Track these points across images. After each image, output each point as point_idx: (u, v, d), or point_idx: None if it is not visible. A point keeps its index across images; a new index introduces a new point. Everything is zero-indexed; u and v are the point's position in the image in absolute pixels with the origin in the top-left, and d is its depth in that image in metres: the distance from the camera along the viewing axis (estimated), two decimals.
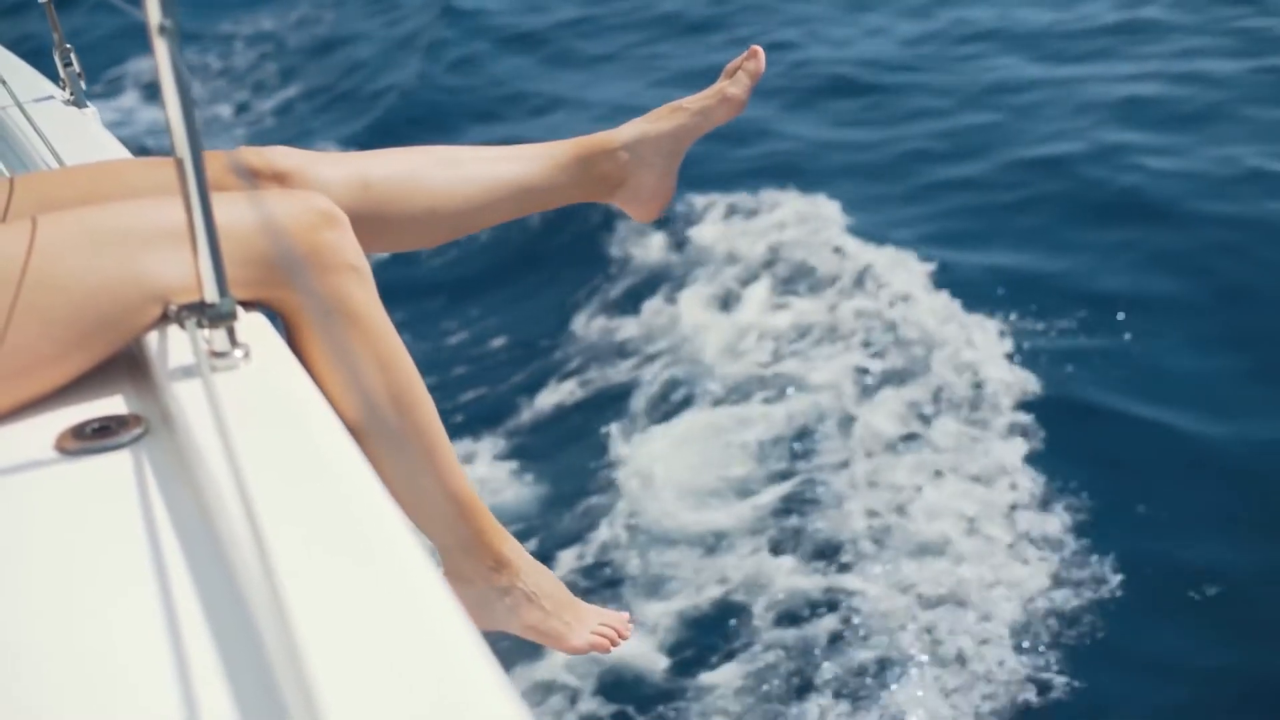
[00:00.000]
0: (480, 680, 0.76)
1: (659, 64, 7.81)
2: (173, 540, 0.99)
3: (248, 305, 1.31)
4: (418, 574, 0.85)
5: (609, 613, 1.74)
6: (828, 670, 3.49)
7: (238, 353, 1.13)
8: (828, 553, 3.89)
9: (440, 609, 0.82)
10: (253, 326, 1.20)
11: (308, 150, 1.64)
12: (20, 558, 0.99)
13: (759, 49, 1.80)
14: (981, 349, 4.63)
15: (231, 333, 1.13)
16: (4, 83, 2.18)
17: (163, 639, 0.89)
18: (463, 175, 1.71)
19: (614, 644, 1.71)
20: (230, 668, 0.86)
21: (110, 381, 1.24)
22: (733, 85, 1.79)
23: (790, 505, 4.12)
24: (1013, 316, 4.79)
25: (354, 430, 1.42)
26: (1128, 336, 4.56)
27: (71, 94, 2.15)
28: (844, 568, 3.82)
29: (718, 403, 4.68)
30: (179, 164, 1.07)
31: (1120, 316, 4.64)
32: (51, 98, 2.16)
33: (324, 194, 1.43)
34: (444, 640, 0.80)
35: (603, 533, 4.13)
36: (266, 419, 1.06)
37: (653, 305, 5.41)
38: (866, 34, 7.79)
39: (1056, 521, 3.83)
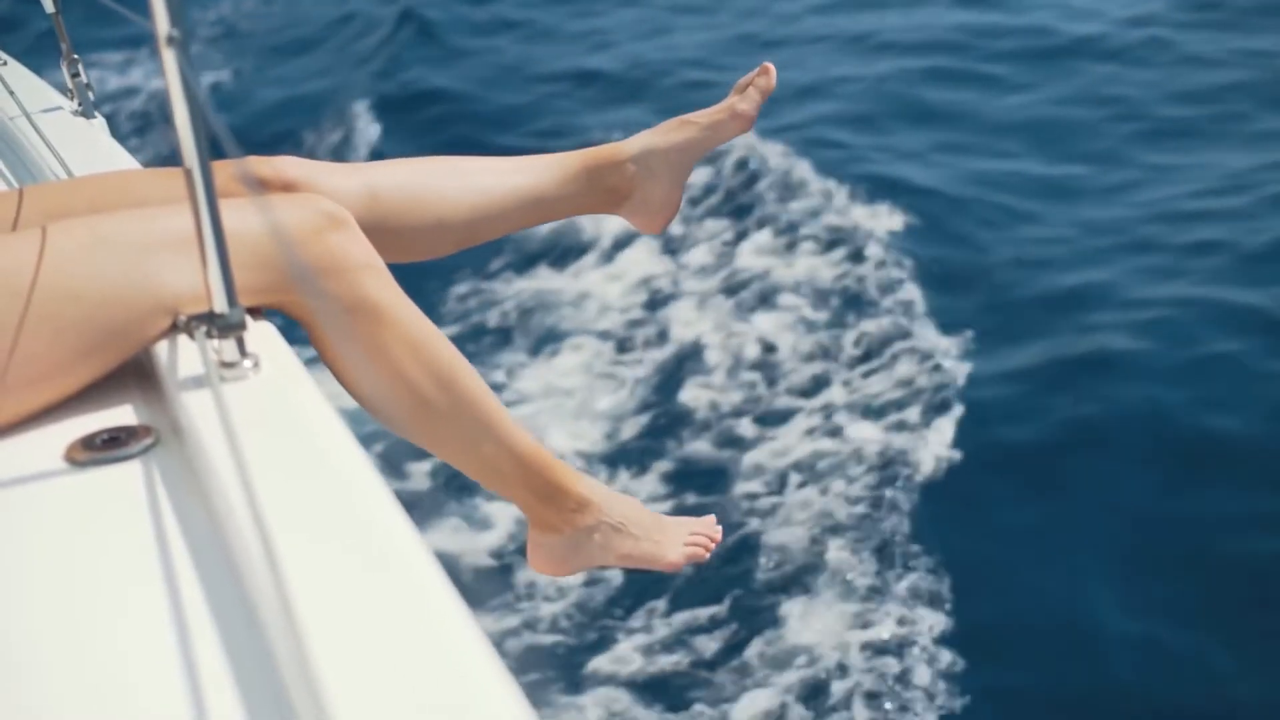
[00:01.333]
0: (490, 690, 0.76)
1: None
2: (183, 551, 0.99)
3: (256, 312, 1.31)
4: (428, 582, 0.85)
5: (695, 520, 1.75)
6: (677, 591, 3.79)
7: (247, 363, 1.13)
8: (685, 477, 4.32)
9: (451, 617, 0.82)
10: (262, 336, 1.20)
11: (316, 160, 1.65)
12: (30, 568, 0.99)
13: (770, 66, 1.80)
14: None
15: (241, 343, 1.13)
16: (13, 94, 2.19)
17: (173, 650, 0.89)
18: (471, 186, 1.72)
19: (708, 550, 1.72)
20: (241, 679, 0.86)
21: (119, 392, 1.24)
22: (743, 101, 1.80)
23: (655, 435, 4.54)
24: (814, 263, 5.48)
25: (403, 418, 1.45)
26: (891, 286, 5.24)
27: (79, 104, 2.15)
28: (699, 486, 4.23)
29: (597, 347, 5.12)
30: (188, 174, 1.07)
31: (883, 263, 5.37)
32: (60, 108, 2.16)
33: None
34: (454, 649, 0.79)
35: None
36: (276, 429, 1.06)
37: (538, 269, 5.83)
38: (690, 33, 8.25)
39: (861, 449, 4.34)
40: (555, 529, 1.63)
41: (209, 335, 1.14)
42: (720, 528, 1.76)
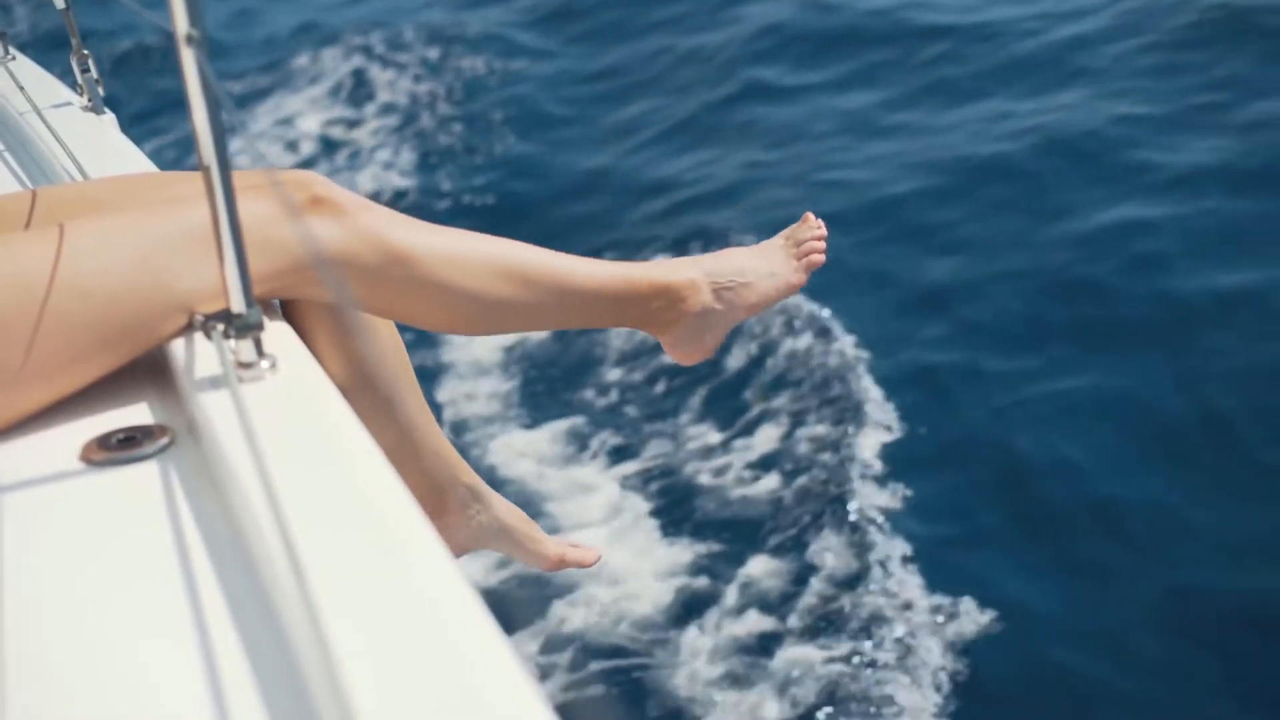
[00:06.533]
0: (507, 685, 0.76)
1: None
2: (200, 550, 0.99)
3: (273, 311, 1.31)
4: (447, 580, 0.85)
5: (793, 229, 1.76)
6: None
7: (264, 363, 1.13)
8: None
9: (469, 614, 0.82)
10: (279, 337, 1.20)
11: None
12: (46, 568, 0.99)
13: (596, 554, 1.89)
14: None
15: (258, 343, 1.13)
16: (22, 88, 2.18)
17: (192, 650, 0.88)
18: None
19: (822, 251, 1.74)
20: (261, 678, 0.85)
21: (135, 391, 1.23)
22: (569, 552, 1.85)
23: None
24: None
25: (488, 322, 1.50)
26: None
27: (89, 100, 2.15)
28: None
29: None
30: (206, 173, 1.07)
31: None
32: (69, 103, 2.16)
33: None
34: (473, 646, 0.79)
35: None
36: (293, 430, 1.06)
37: None
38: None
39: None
40: (675, 323, 1.65)
41: (226, 335, 1.13)
42: (820, 220, 1.77)
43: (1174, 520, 3.69)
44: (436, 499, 1.77)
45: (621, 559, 3.92)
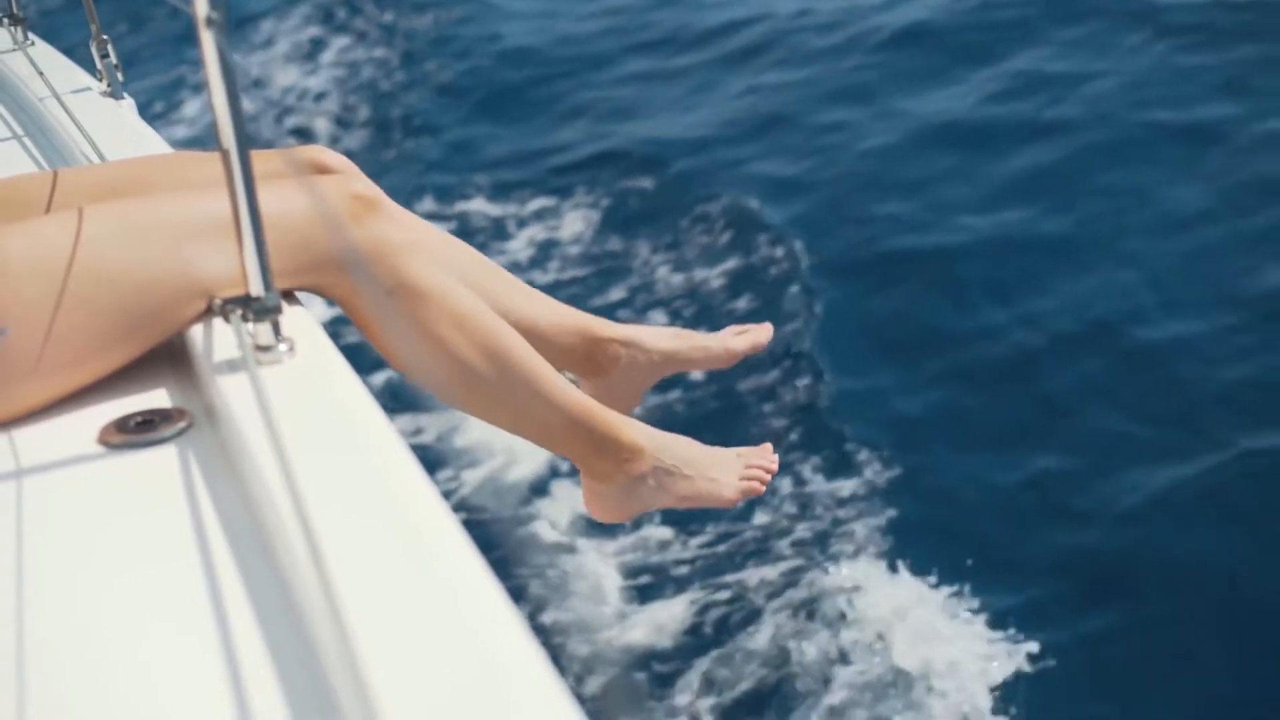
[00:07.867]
0: (524, 668, 0.76)
1: None
2: (218, 533, 0.99)
3: (291, 296, 1.31)
4: (465, 563, 0.85)
5: (750, 451, 1.77)
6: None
7: (282, 347, 1.13)
8: None
9: (487, 598, 0.82)
10: (297, 320, 1.20)
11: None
12: (64, 551, 0.99)
13: (770, 327, 1.89)
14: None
15: (276, 327, 1.13)
16: (42, 75, 2.19)
17: (209, 635, 0.88)
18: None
19: (764, 482, 1.75)
20: (279, 662, 0.85)
21: (153, 375, 1.23)
22: (737, 342, 1.86)
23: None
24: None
25: (452, 389, 1.48)
26: None
27: (108, 85, 2.15)
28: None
29: None
30: (225, 157, 1.07)
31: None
32: (88, 89, 2.16)
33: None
34: (492, 631, 0.79)
35: None
36: (312, 413, 1.06)
37: None
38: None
39: None
40: (609, 477, 1.65)
41: (244, 319, 1.14)
42: (776, 456, 1.78)
43: (971, 432, 4.12)
44: (590, 364, 1.77)
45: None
